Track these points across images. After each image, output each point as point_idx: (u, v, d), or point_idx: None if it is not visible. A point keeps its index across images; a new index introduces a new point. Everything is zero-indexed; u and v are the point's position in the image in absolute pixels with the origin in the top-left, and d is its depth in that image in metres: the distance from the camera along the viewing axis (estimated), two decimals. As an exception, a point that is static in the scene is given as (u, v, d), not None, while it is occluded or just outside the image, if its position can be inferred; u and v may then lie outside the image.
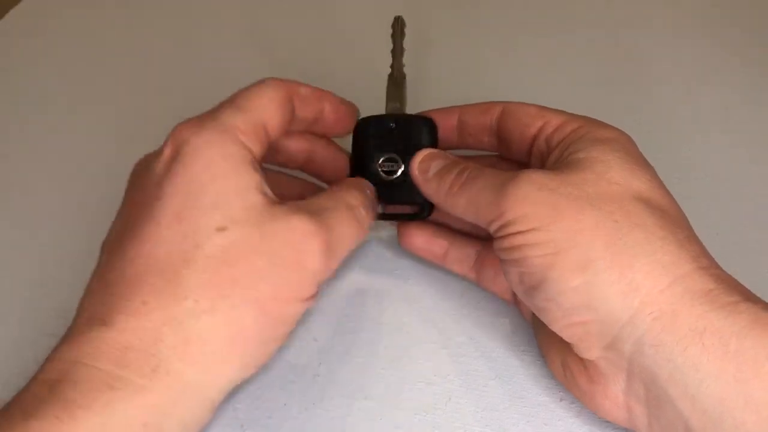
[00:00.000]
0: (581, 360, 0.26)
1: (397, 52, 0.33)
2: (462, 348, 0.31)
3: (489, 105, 0.32)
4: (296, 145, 0.32)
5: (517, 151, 0.31)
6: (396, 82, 0.33)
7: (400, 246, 0.33)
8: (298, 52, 0.47)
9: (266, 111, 0.27)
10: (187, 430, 0.24)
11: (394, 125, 0.31)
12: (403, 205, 0.32)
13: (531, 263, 0.25)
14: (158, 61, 0.47)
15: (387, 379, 0.30)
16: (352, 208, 0.28)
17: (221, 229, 0.24)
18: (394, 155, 0.31)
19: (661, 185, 0.26)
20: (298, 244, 0.25)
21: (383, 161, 0.31)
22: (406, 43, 0.34)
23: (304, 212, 0.25)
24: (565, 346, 0.27)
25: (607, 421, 0.27)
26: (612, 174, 0.25)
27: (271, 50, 0.47)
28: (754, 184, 0.37)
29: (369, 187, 0.30)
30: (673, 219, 0.25)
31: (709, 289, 0.23)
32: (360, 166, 0.32)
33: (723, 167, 0.38)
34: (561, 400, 0.29)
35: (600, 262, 0.24)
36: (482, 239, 0.32)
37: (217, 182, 0.25)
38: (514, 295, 0.31)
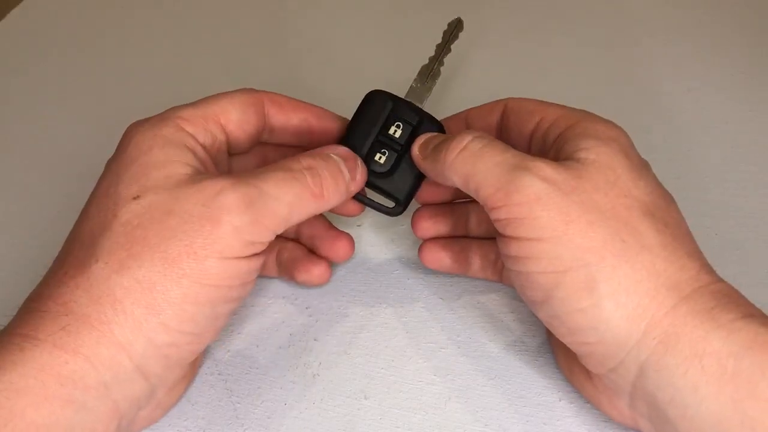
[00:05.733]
0: (587, 370, 0.26)
1: (444, 50, 0.33)
2: (462, 348, 0.31)
3: (493, 104, 0.31)
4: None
5: (519, 149, 0.30)
6: (428, 76, 0.32)
7: (423, 264, 0.33)
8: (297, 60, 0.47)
9: (221, 107, 0.28)
10: (110, 391, 0.24)
11: (409, 113, 0.31)
12: (380, 195, 0.31)
13: (535, 279, 0.25)
14: (158, 61, 0.47)
15: (387, 379, 0.30)
16: (290, 170, 0.26)
17: (136, 197, 0.25)
18: (395, 140, 0.30)
19: (660, 190, 0.26)
20: (211, 200, 0.24)
21: (380, 141, 0.30)
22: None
23: (224, 175, 0.25)
24: (572, 354, 0.27)
25: (606, 422, 0.28)
26: (621, 184, 0.25)
27: (274, 57, 0.47)
28: (754, 184, 0.37)
29: (341, 154, 0.29)
30: (676, 232, 0.25)
31: (710, 308, 0.23)
32: (356, 136, 0.31)
33: (722, 167, 0.38)
34: (560, 400, 0.29)
35: (607, 284, 0.23)
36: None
37: (142, 157, 0.26)
38: None
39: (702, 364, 0.22)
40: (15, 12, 0.52)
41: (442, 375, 0.30)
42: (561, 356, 0.29)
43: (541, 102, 0.29)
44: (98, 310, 0.23)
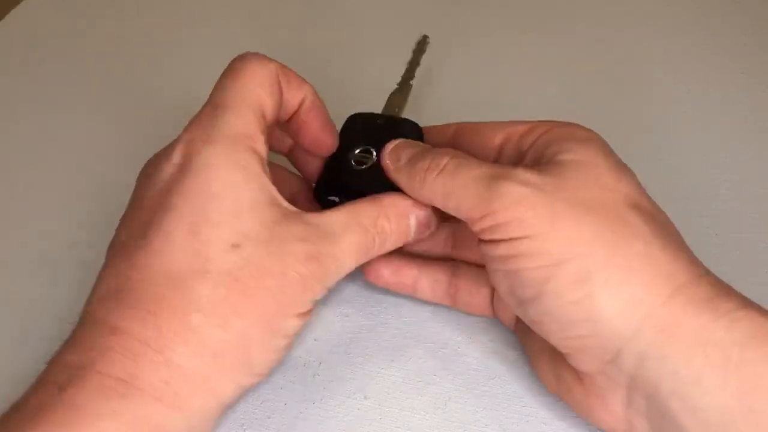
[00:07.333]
0: (576, 372, 0.26)
1: (414, 65, 0.34)
2: (462, 348, 0.31)
3: (445, 126, 0.31)
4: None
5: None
6: (400, 89, 0.33)
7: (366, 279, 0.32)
8: (300, 55, 0.47)
9: (260, 99, 0.27)
10: None
11: (381, 122, 0.31)
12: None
13: (526, 276, 0.24)
14: (159, 61, 0.47)
15: (387, 379, 0.30)
16: (365, 232, 0.27)
17: (235, 245, 0.24)
18: (369, 147, 0.30)
19: (642, 189, 0.26)
20: (301, 265, 0.25)
21: (359, 152, 0.30)
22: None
23: (313, 234, 0.26)
24: (558, 358, 0.26)
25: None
26: (605, 179, 0.25)
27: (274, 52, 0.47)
28: (754, 184, 0.37)
29: (421, 221, 0.29)
30: (664, 226, 0.25)
31: (708, 298, 0.23)
32: (337, 154, 0.31)
33: (722, 167, 0.38)
34: (560, 399, 0.29)
35: (600, 274, 0.23)
36: (452, 262, 0.32)
37: (229, 195, 0.25)
38: (495, 310, 0.31)
39: (706, 353, 0.22)
40: (15, 12, 0.52)
41: (442, 375, 0.30)
42: (544, 367, 0.28)
43: (499, 122, 0.29)
44: (198, 364, 0.24)
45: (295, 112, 0.29)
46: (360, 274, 0.34)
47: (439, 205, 0.27)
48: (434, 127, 0.32)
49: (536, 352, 0.28)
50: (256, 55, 0.28)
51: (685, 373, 0.22)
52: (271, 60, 0.28)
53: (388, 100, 0.34)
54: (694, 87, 0.43)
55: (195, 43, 0.49)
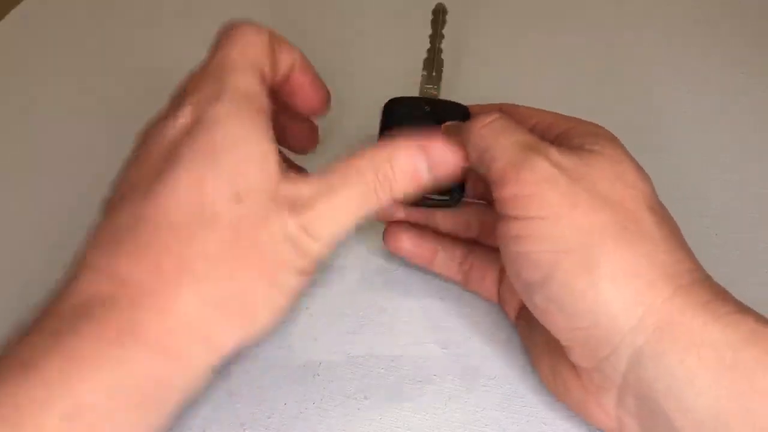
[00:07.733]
0: (574, 368, 0.26)
1: (437, 38, 0.33)
2: (462, 348, 0.31)
3: (489, 105, 0.32)
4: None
5: None
6: (432, 67, 0.33)
7: (386, 248, 0.32)
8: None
9: (260, 61, 0.27)
10: (190, 389, 0.24)
11: (428, 109, 0.31)
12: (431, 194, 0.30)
13: (536, 259, 0.25)
14: (160, 61, 0.47)
15: (387, 379, 0.30)
16: (365, 182, 0.26)
17: (240, 199, 0.24)
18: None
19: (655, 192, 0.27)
20: (295, 223, 0.25)
21: None
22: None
23: (311, 191, 0.25)
24: (557, 353, 0.26)
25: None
26: (628, 176, 0.25)
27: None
28: (754, 184, 0.37)
29: (435, 157, 0.27)
30: (672, 230, 0.25)
31: (707, 301, 0.23)
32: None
33: (722, 167, 0.38)
34: (558, 398, 0.29)
35: (606, 266, 0.24)
36: (469, 242, 0.32)
37: (236, 149, 0.25)
38: (500, 295, 0.31)
39: (699, 354, 0.22)
40: (15, 12, 0.52)
41: (442, 375, 0.30)
42: (544, 364, 0.28)
43: (535, 108, 0.30)
44: (200, 315, 0.23)
45: (288, 78, 0.30)
46: (361, 274, 0.34)
47: (474, 159, 0.27)
48: (478, 105, 0.32)
49: (536, 347, 0.29)
50: (250, 23, 0.28)
51: (679, 373, 0.22)
52: (263, 26, 0.28)
53: (422, 81, 0.33)
54: (694, 87, 0.43)
55: (197, 43, 0.49)
